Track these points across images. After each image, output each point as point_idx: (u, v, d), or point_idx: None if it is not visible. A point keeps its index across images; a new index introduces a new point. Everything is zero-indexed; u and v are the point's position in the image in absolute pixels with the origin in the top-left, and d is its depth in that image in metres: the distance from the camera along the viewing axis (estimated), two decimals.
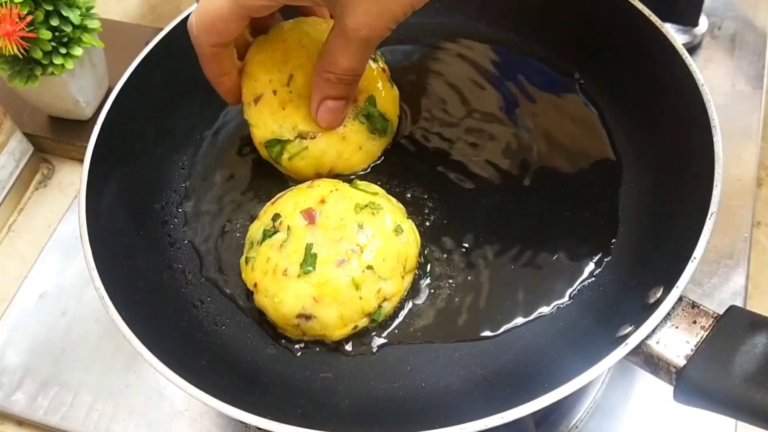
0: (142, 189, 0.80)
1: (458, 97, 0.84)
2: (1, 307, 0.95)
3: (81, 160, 0.74)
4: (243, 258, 0.74)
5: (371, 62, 0.79)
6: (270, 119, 0.76)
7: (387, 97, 0.79)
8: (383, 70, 0.80)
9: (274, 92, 0.75)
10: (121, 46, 1.01)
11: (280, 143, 0.76)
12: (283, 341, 0.71)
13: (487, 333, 0.69)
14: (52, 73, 0.93)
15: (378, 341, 0.70)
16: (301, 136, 0.75)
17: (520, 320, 0.69)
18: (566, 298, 0.70)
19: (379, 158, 0.81)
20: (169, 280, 0.75)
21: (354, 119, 0.76)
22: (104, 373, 0.88)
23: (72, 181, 1.08)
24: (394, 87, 0.81)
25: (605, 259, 0.72)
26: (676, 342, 0.58)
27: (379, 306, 0.69)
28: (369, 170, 0.80)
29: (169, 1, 1.27)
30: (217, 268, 0.76)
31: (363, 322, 0.70)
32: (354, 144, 0.77)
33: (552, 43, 0.86)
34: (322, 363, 0.70)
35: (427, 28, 0.90)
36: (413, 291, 0.72)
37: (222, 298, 0.74)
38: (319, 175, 0.78)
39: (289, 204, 0.73)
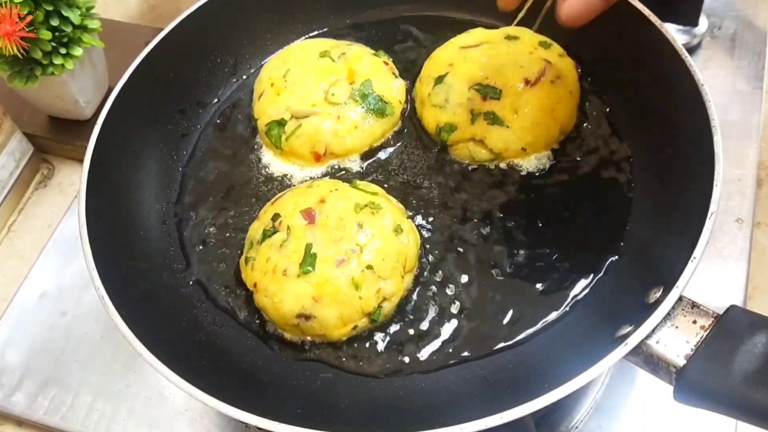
0: (142, 189, 0.80)
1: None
2: (1, 307, 0.95)
3: (81, 160, 0.74)
4: (243, 258, 0.74)
5: (373, 56, 0.85)
6: (269, 107, 0.82)
7: (385, 83, 0.82)
8: (385, 63, 0.85)
9: (272, 85, 0.83)
10: (121, 46, 1.01)
11: (278, 125, 0.81)
12: (283, 341, 0.71)
13: (491, 343, 0.69)
14: (52, 73, 0.93)
15: (378, 343, 0.70)
16: (295, 116, 0.80)
17: (521, 322, 0.70)
18: (567, 298, 0.70)
19: (382, 142, 0.82)
20: (169, 280, 0.75)
21: (348, 98, 0.80)
22: (104, 373, 0.88)
23: (72, 181, 1.08)
24: (399, 78, 0.85)
25: (611, 258, 0.72)
26: (676, 342, 0.58)
27: (379, 306, 0.69)
28: (369, 165, 0.80)
29: (169, 1, 1.27)
30: (217, 268, 0.76)
31: (363, 322, 0.70)
32: (349, 122, 0.80)
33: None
34: (321, 363, 0.70)
35: (429, 24, 0.91)
36: (413, 291, 0.72)
37: (222, 299, 0.74)
38: (318, 157, 0.80)
39: (288, 204, 0.73)
